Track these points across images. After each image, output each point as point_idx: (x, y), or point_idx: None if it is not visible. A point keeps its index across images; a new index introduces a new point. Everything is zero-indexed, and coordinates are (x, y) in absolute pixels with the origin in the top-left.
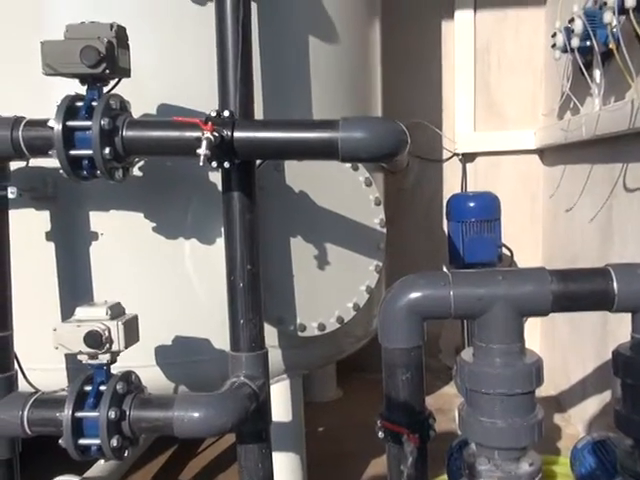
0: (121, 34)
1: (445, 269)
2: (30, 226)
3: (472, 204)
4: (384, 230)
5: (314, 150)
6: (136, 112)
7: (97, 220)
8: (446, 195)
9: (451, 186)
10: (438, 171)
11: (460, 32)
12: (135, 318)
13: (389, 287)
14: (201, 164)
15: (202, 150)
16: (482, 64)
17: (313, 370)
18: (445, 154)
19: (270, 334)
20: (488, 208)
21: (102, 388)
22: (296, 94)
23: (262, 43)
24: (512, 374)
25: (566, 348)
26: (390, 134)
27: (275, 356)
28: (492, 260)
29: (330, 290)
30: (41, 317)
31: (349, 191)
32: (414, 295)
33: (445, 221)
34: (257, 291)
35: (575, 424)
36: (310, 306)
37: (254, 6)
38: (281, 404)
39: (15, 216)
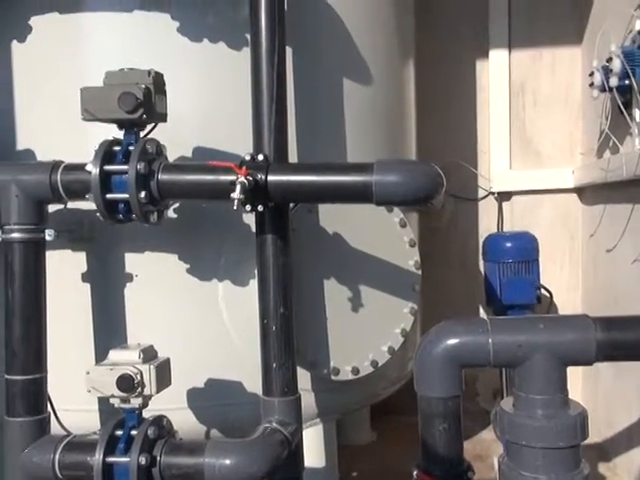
0: (158, 80)
1: (482, 311)
2: (66, 267)
3: (509, 244)
4: (419, 272)
5: (348, 194)
6: (172, 154)
7: (132, 261)
8: (482, 234)
9: (487, 225)
10: (473, 210)
11: (495, 71)
12: (167, 362)
13: (424, 331)
14: (235, 208)
15: (236, 194)
16: (517, 102)
17: (347, 414)
18: (480, 193)
19: (303, 377)
20: (526, 248)
21: (133, 433)
22: (330, 136)
23: (296, 86)
24: (555, 427)
25: (610, 393)
26: (425, 178)
27: (308, 400)
28: (530, 302)
29: (364, 333)
30: (76, 358)
31: (383, 232)
32: (451, 342)
33: (481, 261)
34: (290, 335)
35: (621, 475)
36: (344, 349)
37: (289, 50)
38: (314, 449)
39: (52, 257)
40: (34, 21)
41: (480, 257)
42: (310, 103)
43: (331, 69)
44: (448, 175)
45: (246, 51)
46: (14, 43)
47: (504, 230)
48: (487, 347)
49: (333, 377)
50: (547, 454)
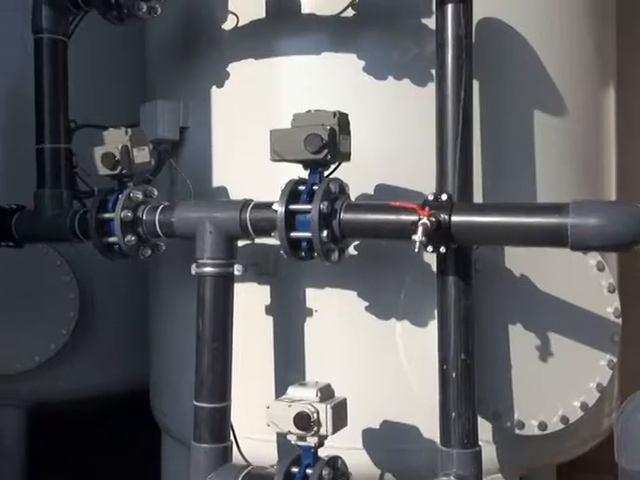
0: (343, 120)
1: None
2: (251, 300)
3: None
4: (619, 320)
5: (539, 237)
6: (354, 191)
7: (312, 296)
8: None
9: None
10: None
11: None
12: (344, 402)
13: (623, 386)
14: (416, 250)
15: (418, 237)
16: None
17: (531, 472)
18: None
19: (484, 428)
20: None
21: (308, 471)
22: (518, 174)
23: (482, 120)
24: None
25: None
26: (630, 220)
27: (488, 453)
28: None
29: (553, 385)
30: (257, 388)
31: (578, 276)
32: None
33: None
34: (471, 383)
35: None
36: (530, 402)
37: (475, 82)
38: None
39: (238, 290)
40: (232, 67)
41: None
42: (496, 138)
43: (520, 101)
44: None
45: (431, 87)
46: (213, 88)
47: None
48: None
49: (517, 431)
50: None
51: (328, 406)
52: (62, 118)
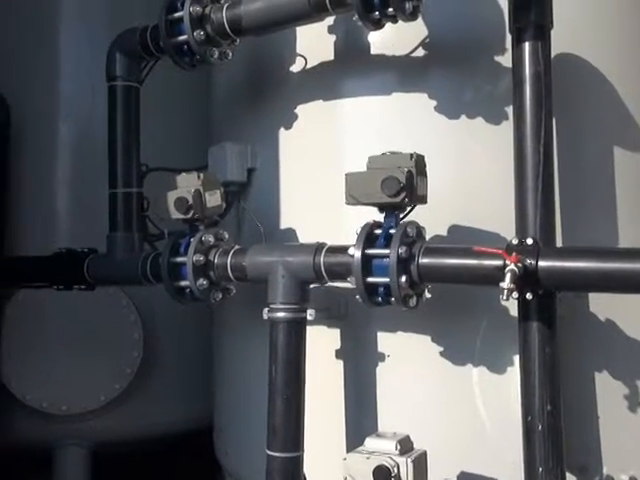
0: (420, 162)
1: None
2: (322, 344)
3: None
4: None
5: (635, 283)
6: (428, 233)
7: (384, 340)
8: None
9: None
10: None
11: None
12: (424, 455)
13: None
14: (505, 298)
15: (506, 284)
16: None
17: None
18: None
19: None
20: None
21: None
22: (599, 213)
23: (560, 158)
24: None
25: None
26: None
27: None
28: None
29: None
30: (327, 436)
31: None
32: None
33: None
34: (559, 437)
35: None
36: (619, 455)
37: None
38: None
39: (309, 333)
40: (299, 109)
41: None
42: (575, 176)
43: (599, 136)
44: None
45: (505, 125)
46: (281, 130)
47: None
48: None
49: None
50: None
51: (409, 459)
52: (134, 163)
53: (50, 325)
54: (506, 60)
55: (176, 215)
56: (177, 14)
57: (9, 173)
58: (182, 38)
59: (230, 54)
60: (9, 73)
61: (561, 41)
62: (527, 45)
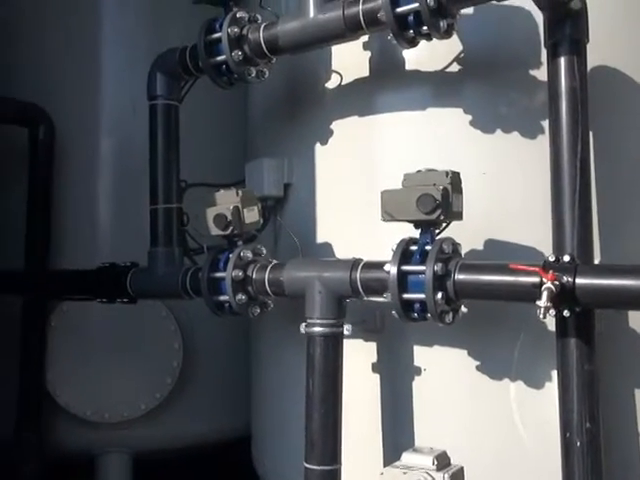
0: (455, 180)
1: None
2: (358, 357)
3: None
4: None
5: None
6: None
7: (421, 354)
8: None
9: None
10: None
11: None
12: (461, 471)
13: None
14: (541, 317)
15: (542, 302)
16: None
17: None
18: None
19: None
20: None
21: None
22: (638, 230)
23: (596, 172)
24: None
25: None
26: None
27: None
28: None
29: None
30: (364, 450)
31: None
32: None
33: None
34: (598, 454)
35: None
36: None
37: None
38: None
39: (345, 347)
40: (335, 124)
41: None
42: (613, 191)
43: (637, 150)
44: None
45: (541, 139)
46: (317, 145)
47: None
48: None
49: None
50: None
51: (446, 475)
52: (174, 179)
53: (93, 335)
54: (541, 74)
55: (215, 231)
56: (215, 35)
57: (54, 190)
58: (220, 58)
59: (267, 72)
60: (53, 91)
61: (596, 53)
62: (563, 60)
